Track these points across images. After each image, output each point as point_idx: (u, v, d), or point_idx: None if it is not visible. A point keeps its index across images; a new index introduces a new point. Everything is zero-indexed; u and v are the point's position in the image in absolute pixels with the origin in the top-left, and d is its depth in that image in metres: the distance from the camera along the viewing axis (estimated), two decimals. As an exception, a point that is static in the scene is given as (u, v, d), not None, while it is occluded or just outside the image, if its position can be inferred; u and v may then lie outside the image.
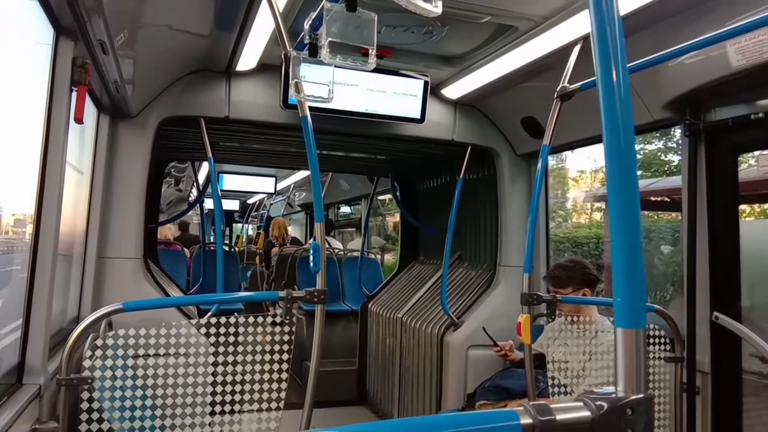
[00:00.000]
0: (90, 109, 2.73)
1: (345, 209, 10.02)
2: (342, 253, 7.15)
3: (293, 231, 11.64)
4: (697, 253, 2.49)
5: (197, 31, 2.66)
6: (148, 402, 1.90)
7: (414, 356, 4.11)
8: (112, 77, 2.37)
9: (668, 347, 2.53)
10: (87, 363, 1.79)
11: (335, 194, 8.55)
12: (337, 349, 5.48)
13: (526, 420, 0.71)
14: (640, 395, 0.75)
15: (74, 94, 2.00)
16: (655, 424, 2.41)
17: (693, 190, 2.50)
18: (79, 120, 2.04)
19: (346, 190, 8.11)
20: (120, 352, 1.87)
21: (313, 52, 1.63)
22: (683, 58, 2.27)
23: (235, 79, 3.23)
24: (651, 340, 2.45)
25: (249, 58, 3.02)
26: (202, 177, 6.89)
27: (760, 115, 2.23)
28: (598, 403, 0.73)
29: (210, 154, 3.17)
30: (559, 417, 0.72)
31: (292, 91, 1.81)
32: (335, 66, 1.63)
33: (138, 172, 3.04)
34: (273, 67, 3.19)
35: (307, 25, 1.67)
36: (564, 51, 2.51)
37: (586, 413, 0.73)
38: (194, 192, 10.30)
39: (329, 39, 1.47)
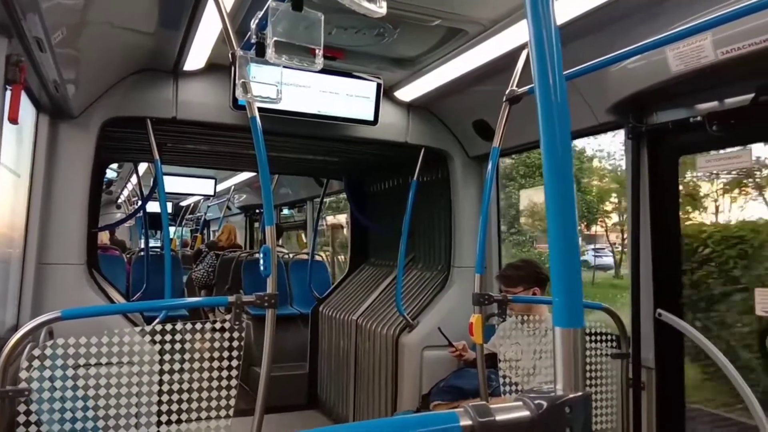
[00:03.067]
0: (28, 110, 2.61)
1: (286, 212, 9.92)
2: (289, 255, 7.07)
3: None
4: (640, 253, 2.57)
5: (142, 29, 2.58)
6: (90, 413, 1.82)
7: (369, 358, 4.10)
8: (50, 76, 2.27)
9: (614, 344, 2.60)
10: (24, 374, 1.71)
11: (277, 197, 8.46)
12: (286, 354, 5.40)
13: (465, 422, 0.71)
14: (579, 393, 0.76)
15: (8, 93, 1.91)
16: (603, 419, 2.47)
17: (636, 190, 2.58)
18: (13, 120, 1.94)
19: (287, 194, 8.03)
20: (59, 362, 1.79)
21: (260, 52, 1.60)
22: (626, 63, 2.34)
23: (183, 79, 3.15)
24: (598, 338, 2.51)
25: (197, 57, 2.95)
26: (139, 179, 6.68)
27: (699, 118, 2.32)
28: (537, 402, 0.74)
29: (157, 156, 3.08)
30: (499, 417, 0.72)
31: (239, 91, 1.77)
32: (282, 66, 1.60)
33: (80, 174, 2.92)
34: (222, 67, 3.12)
35: (253, 25, 1.64)
36: (512, 55, 2.55)
37: (526, 413, 0.73)
38: (124, 194, 10.00)
39: (275, 38, 1.45)
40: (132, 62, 2.96)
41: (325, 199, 6.30)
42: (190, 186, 7.97)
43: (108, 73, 2.92)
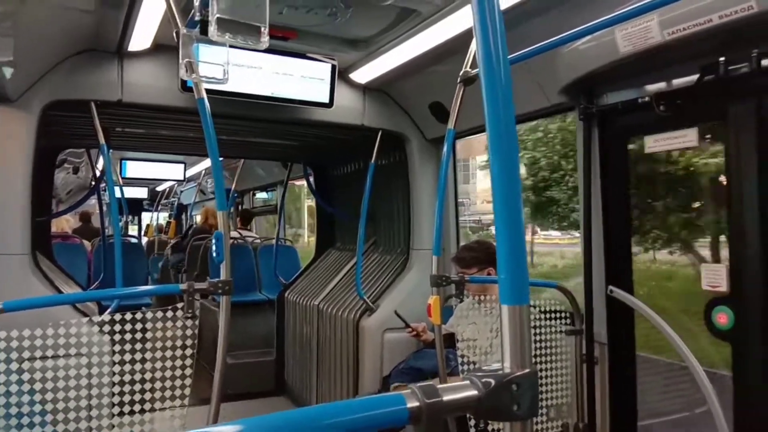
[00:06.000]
0: (-40, 92, 2.47)
1: (261, 195, 9.76)
2: (258, 241, 6.98)
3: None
4: (592, 231, 2.63)
5: (81, 7, 2.45)
6: (37, 408, 1.76)
7: (331, 343, 4.10)
8: None
9: (568, 321, 2.66)
10: None
11: (250, 180, 8.31)
12: (254, 340, 5.37)
13: (412, 403, 0.70)
14: (526, 370, 0.76)
15: None
16: (557, 395, 2.53)
17: (588, 171, 2.62)
18: None
19: (262, 176, 7.91)
20: (2, 356, 1.71)
21: (204, 30, 1.54)
22: (577, 44, 2.36)
23: (129, 60, 3.02)
24: (552, 315, 2.57)
25: (142, 37, 2.83)
26: (102, 164, 6.47)
27: (647, 98, 2.36)
28: (484, 380, 0.74)
29: (102, 141, 2.96)
30: (446, 397, 0.72)
31: (182, 71, 1.71)
32: (228, 45, 1.55)
33: (20, 161, 2.78)
34: (170, 48, 2.99)
35: (197, 2, 1.58)
36: (466, 36, 2.55)
37: (473, 392, 0.73)
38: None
39: (218, 15, 1.39)
40: (73, 42, 2.82)
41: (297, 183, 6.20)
42: (158, 171, 7.82)
43: (48, 54, 2.78)
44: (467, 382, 0.74)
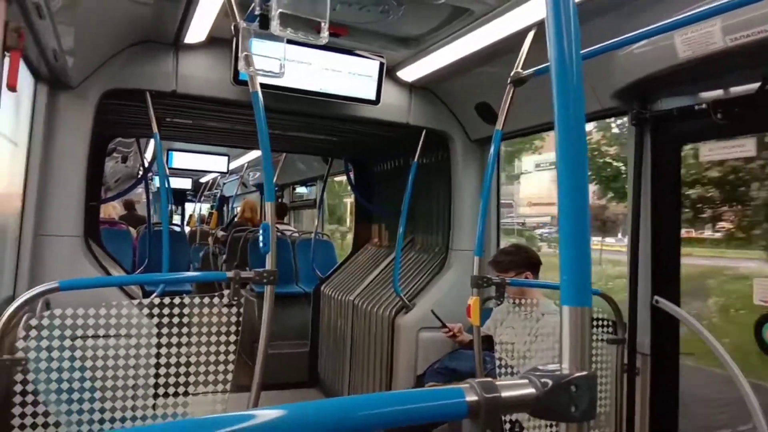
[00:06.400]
0: (26, 79, 2.58)
1: (302, 189, 9.88)
2: (296, 234, 7.07)
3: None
4: (640, 239, 2.57)
5: None
6: (87, 384, 1.83)
7: (365, 338, 4.12)
8: (49, 45, 2.24)
9: (610, 330, 2.61)
10: (21, 344, 1.70)
11: (291, 174, 8.41)
12: (290, 331, 5.44)
13: (471, 397, 0.71)
14: (584, 372, 0.76)
15: (7, 60, 1.88)
16: (597, 404, 2.49)
17: (638, 177, 2.57)
18: (12, 87, 1.91)
19: (303, 170, 8.01)
20: (57, 333, 1.79)
21: (264, 24, 1.57)
22: (633, 48, 2.32)
23: (184, 52, 3.11)
24: (594, 323, 2.52)
25: (198, 29, 2.90)
26: (150, 154, 6.66)
27: (704, 105, 2.30)
28: (543, 380, 0.74)
29: (156, 130, 3.05)
30: (505, 394, 0.72)
31: (241, 64, 1.75)
32: (287, 39, 1.58)
33: (78, 146, 2.89)
34: (224, 41, 3.08)
35: (258, -4, 1.61)
36: (518, 36, 2.52)
37: (531, 390, 0.73)
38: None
39: (280, 10, 1.42)
40: (131, 33, 2.91)
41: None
42: (203, 162, 7.96)
43: (107, 44, 2.87)
44: (525, 380, 0.74)
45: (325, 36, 1.50)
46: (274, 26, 1.44)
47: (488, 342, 2.94)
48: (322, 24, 1.48)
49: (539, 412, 0.73)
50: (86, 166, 2.94)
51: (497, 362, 2.53)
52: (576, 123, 0.76)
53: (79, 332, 1.78)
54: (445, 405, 0.70)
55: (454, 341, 3.36)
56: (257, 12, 1.63)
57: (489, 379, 0.73)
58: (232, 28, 1.93)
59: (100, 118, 3.02)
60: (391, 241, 4.69)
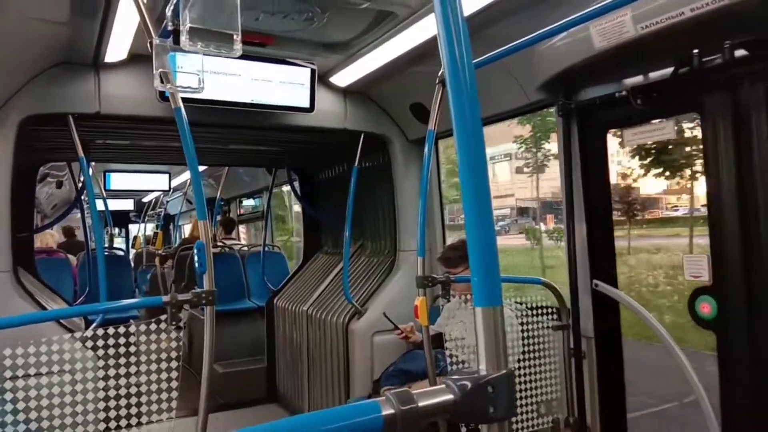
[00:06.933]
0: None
1: (249, 202, 9.71)
2: (246, 248, 6.95)
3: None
4: (575, 226, 2.64)
5: (54, 19, 2.43)
6: (21, 428, 1.73)
7: (321, 348, 4.08)
8: None
9: (555, 317, 2.67)
10: None
11: (236, 187, 8.26)
12: (245, 348, 5.33)
13: (387, 411, 0.70)
14: (502, 371, 0.76)
15: None
16: (547, 390, 2.54)
17: (568, 165, 2.64)
18: None
19: (248, 182, 7.88)
20: None
21: (176, 40, 1.53)
22: (553, 41, 2.37)
23: (105, 71, 3.00)
24: (539, 311, 2.57)
25: (117, 48, 2.81)
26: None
27: (624, 93, 2.38)
28: (460, 384, 0.74)
29: (81, 153, 2.92)
30: (422, 403, 0.72)
31: (156, 82, 1.69)
32: (202, 54, 1.54)
33: (0, 175, 2.75)
34: (146, 58, 2.93)
35: (169, 11, 1.56)
36: (443, 36, 2.55)
37: (449, 396, 0.73)
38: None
39: (189, 25, 1.38)
40: (49, 55, 2.79)
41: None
42: (143, 182, 7.78)
43: (23, 67, 2.75)
44: (443, 386, 0.74)
45: (238, 48, 1.47)
46: (184, 41, 1.40)
47: (440, 340, 2.95)
48: (235, 36, 1.45)
49: (458, 417, 0.73)
50: (9, 196, 2.80)
51: (449, 359, 2.55)
52: (473, 127, 0.77)
53: (9, 374, 1.68)
54: (361, 422, 0.69)
55: (407, 342, 3.36)
56: (170, 27, 1.59)
57: (405, 389, 0.73)
58: (148, 44, 1.88)
59: (22, 144, 2.88)
60: (340, 248, 4.66)
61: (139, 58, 2.99)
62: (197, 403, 2.04)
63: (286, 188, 8.58)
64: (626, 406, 2.62)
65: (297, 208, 10.01)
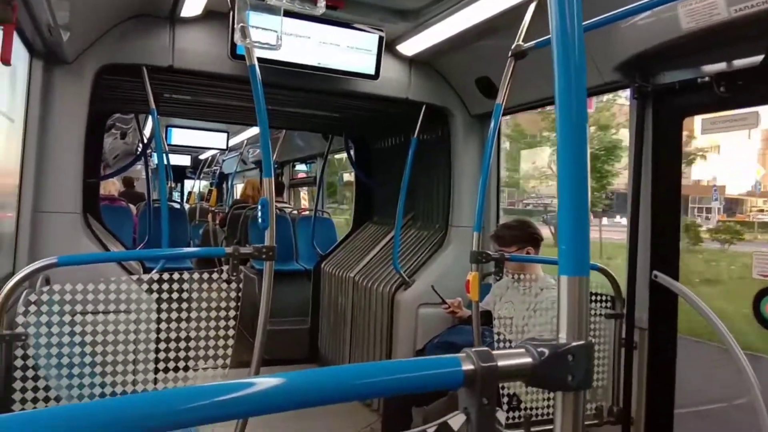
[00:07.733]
0: (22, 54, 2.55)
1: (301, 167, 9.83)
2: (295, 212, 7.06)
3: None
4: (640, 214, 2.56)
5: None
6: (87, 359, 1.83)
7: (365, 315, 4.14)
8: (43, 18, 2.20)
9: (609, 305, 2.62)
10: (20, 319, 1.71)
11: (290, 152, 8.36)
12: (290, 308, 5.46)
13: (468, 366, 0.71)
14: (581, 342, 0.75)
15: (0, 34, 1.85)
16: (594, 378, 2.51)
17: (639, 151, 2.55)
18: (6, 61, 1.89)
19: (303, 147, 7.96)
20: (56, 308, 1.79)
21: (261, -6, 1.54)
22: (636, 19, 2.28)
23: (180, 26, 3.06)
24: (593, 298, 2.53)
25: (194, 3, 2.86)
26: (149, 130, 6.61)
27: (706, 79, 2.27)
28: (540, 349, 0.74)
29: (153, 106, 3.02)
30: (501, 363, 0.72)
31: (237, 35, 1.72)
32: (282, 12, 1.55)
33: (75, 122, 2.87)
34: (221, 15, 3.03)
35: (253, -34, 1.58)
36: (519, 8, 2.48)
37: (528, 360, 0.73)
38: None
39: (276, -21, 1.39)
40: (127, 7, 2.86)
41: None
42: (202, 139, 7.92)
43: (102, 18, 2.83)
44: (522, 349, 0.74)
45: (322, 6, 1.47)
46: (270, -4, 1.41)
47: (487, 317, 2.95)
48: (319, -6, 1.45)
49: (535, 381, 0.73)
50: (83, 142, 2.92)
51: (495, 337, 2.54)
52: (577, 96, 0.75)
53: (79, 308, 1.78)
54: (441, 374, 0.70)
55: (454, 317, 3.37)
56: (253, -18, 1.60)
57: (485, 348, 0.73)
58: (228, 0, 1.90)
59: (96, 93, 2.99)
60: (393, 218, 4.68)
61: (213, 14, 3.03)
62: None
63: (338, 156, 8.63)
64: (674, 401, 2.56)
65: (347, 176, 10.05)
